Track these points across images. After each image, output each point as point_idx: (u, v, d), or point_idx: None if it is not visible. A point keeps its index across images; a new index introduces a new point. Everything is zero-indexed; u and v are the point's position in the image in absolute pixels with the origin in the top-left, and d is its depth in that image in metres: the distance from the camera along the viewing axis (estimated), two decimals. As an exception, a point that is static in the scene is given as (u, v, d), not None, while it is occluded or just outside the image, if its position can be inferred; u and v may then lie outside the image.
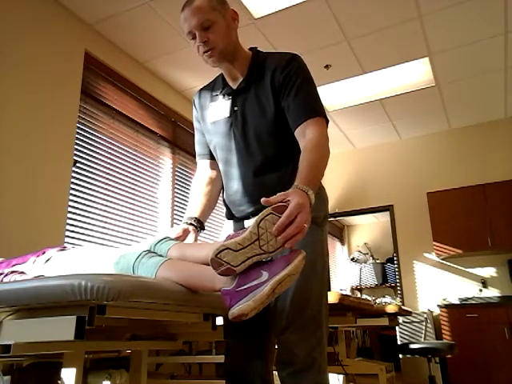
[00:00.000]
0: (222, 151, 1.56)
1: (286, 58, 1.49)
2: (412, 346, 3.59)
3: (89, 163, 3.27)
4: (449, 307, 4.68)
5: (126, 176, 3.60)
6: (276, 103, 1.45)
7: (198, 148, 1.72)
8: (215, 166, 1.65)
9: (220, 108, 1.56)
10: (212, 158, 1.65)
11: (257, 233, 1.07)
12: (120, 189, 3.51)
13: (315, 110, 1.42)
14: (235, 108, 1.51)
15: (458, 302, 4.77)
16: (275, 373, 1.42)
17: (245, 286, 1.06)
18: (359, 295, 6.75)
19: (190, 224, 1.52)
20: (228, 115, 1.52)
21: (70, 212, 3.02)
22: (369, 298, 4.91)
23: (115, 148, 3.53)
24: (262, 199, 1.08)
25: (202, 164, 1.70)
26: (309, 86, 1.46)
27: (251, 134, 1.48)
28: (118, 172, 3.51)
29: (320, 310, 1.39)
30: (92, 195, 3.24)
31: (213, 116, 1.58)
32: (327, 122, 1.46)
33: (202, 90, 1.68)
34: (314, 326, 1.36)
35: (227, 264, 1.08)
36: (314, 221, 1.41)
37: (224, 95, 1.56)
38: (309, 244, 1.19)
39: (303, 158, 1.30)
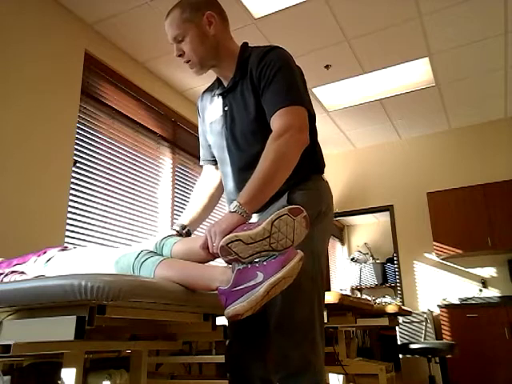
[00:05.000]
0: (218, 150, 1.58)
1: (264, 50, 1.46)
2: (412, 346, 3.60)
3: (89, 163, 3.26)
4: (449, 307, 4.68)
5: (126, 176, 3.59)
6: (256, 99, 1.43)
7: (202, 152, 1.74)
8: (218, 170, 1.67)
9: (215, 108, 1.58)
10: (216, 162, 1.66)
11: (269, 230, 1.09)
12: (120, 189, 3.50)
13: (287, 99, 1.35)
14: (225, 108, 1.53)
15: (458, 302, 4.76)
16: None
17: (240, 287, 1.06)
18: (359, 295, 6.75)
19: (176, 231, 1.56)
20: (220, 115, 1.54)
21: (69, 212, 3.02)
22: (369, 298, 4.91)
23: (115, 148, 3.53)
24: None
25: (207, 169, 1.74)
26: (284, 74, 1.39)
27: (238, 132, 1.48)
28: (117, 172, 3.51)
29: (312, 309, 1.35)
30: (92, 195, 3.23)
31: (210, 117, 1.61)
32: (308, 110, 1.39)
33: (203, 92, 1.70)
34: (306, 327, 1.33)
35: (236, 254, 1.10)
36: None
37: (218, 95, 1.58)
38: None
39: (258, 164, 1.27)
